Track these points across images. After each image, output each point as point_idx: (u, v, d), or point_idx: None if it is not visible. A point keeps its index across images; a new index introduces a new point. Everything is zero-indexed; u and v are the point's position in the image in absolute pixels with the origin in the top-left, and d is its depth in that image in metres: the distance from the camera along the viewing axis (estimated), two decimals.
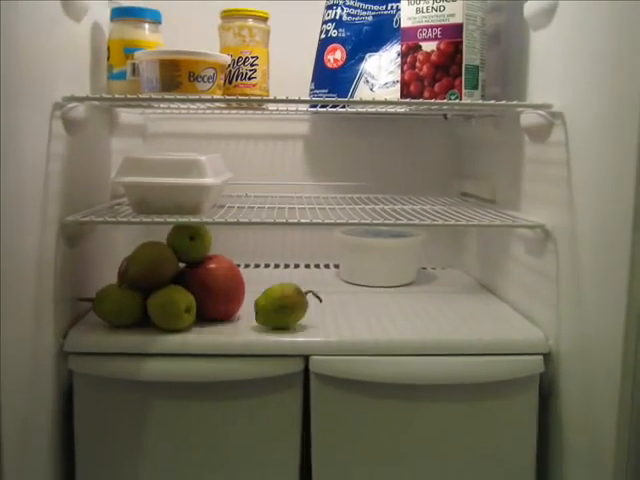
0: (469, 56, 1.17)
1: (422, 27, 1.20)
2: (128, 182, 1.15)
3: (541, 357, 1.10)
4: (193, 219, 1.12)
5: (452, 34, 1.17)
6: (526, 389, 1.10)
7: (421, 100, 1.19)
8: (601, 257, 0.96)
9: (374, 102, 1.26)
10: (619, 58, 0.91)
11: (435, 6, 1.17)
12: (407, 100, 1.20)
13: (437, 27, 1.18)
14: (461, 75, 1.17)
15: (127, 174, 1.15)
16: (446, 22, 1.17)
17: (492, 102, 1.18)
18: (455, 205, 1.42)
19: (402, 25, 1.22)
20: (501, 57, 1.31)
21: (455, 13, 1.16)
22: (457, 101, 1.17)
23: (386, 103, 1.25)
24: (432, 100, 1.18)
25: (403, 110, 1.32)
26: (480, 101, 1.19)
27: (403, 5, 1.22)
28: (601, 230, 0.96)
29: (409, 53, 1.22)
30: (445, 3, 1.16)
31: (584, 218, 1.00)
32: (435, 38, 1.19)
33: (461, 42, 1.16)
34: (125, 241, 1.34)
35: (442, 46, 1.18)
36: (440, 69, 1.19)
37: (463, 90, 1.17)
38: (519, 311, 1.23)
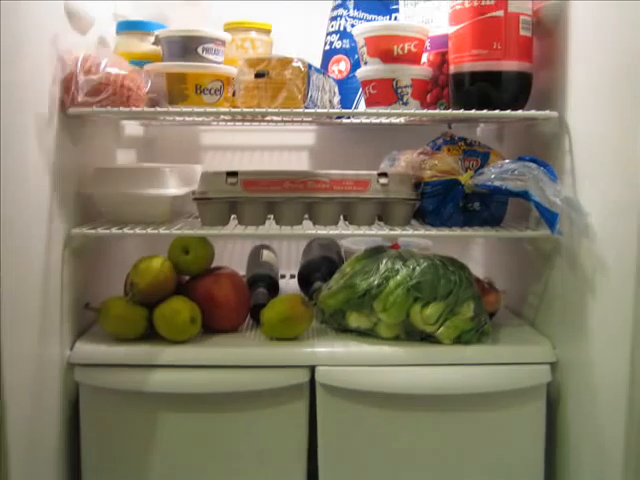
0: None
1: None
2: (91, 192, 1.14)
3: (548, 366, 1.09)
4: (187, 231, 1.11)
5: (439, 45, 1.17)
6: (533, 398, 1.10)
7: (425, 111, 1.19)
8: (607, 266, 0.96)
9: (370, 113, 1.24)
10: (623, 66, 0.91)
11: (425, 19, 1.19)
12: (411, 111, 1.19)
13: (427, 39, 1.19)
14: (448, 85, 1.17)
15: (97, 185, 1.14)
16: (433, 34, 1.18)
17: (496, 112, 1.18)
18: None
19: None
20: None
21: (441, 24, 1.17)
22: (462, 112, 1.16)
23: (383, 114, 1.23)
24: (435, 111, 1.18)
25: (404, 121, 1.32)
26: (485, 111, 1.18)
27: (400, 20, 1.23)
28: (606, 239, 0.96)
29: None
30: (433, 15, 1.17)
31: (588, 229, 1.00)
32: (425, 50, 1.20)
33: (447, 52, 1.16)
34: (131, 250, 1.34)
35: (431, 57, 1.19)
36: (431, 80, 1.19)
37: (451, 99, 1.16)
38: (526, 320, 1.23)
